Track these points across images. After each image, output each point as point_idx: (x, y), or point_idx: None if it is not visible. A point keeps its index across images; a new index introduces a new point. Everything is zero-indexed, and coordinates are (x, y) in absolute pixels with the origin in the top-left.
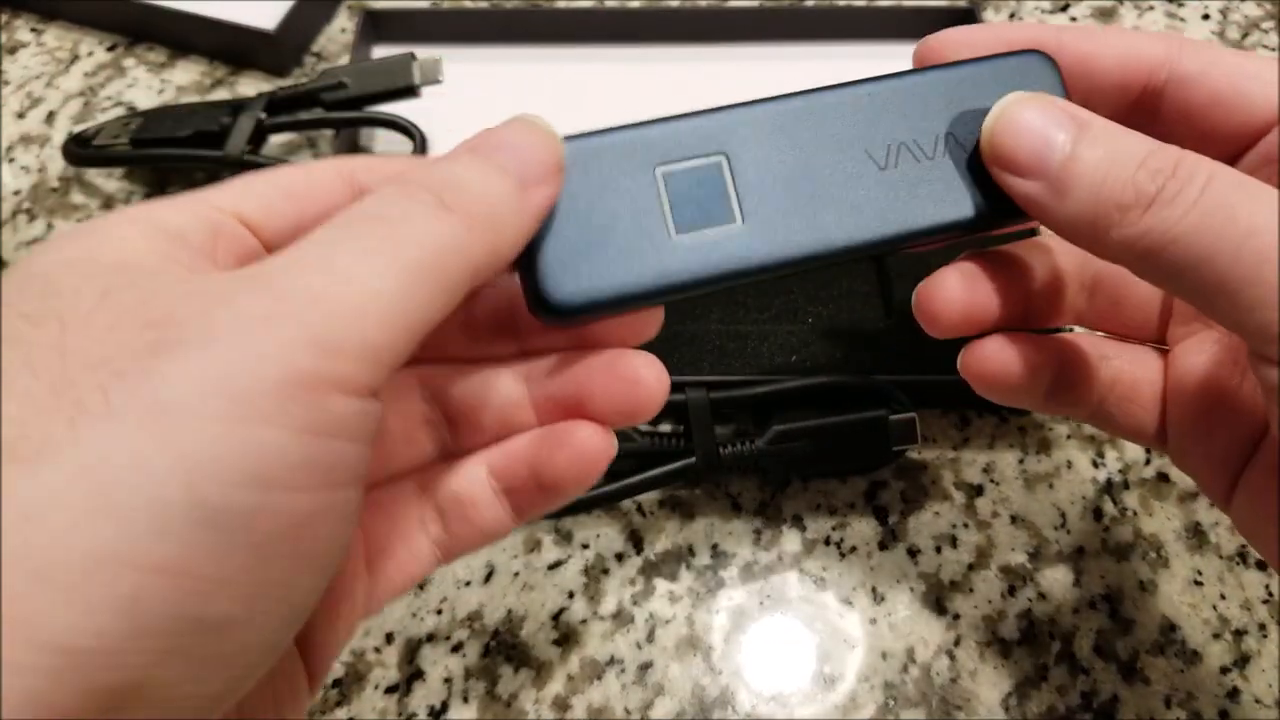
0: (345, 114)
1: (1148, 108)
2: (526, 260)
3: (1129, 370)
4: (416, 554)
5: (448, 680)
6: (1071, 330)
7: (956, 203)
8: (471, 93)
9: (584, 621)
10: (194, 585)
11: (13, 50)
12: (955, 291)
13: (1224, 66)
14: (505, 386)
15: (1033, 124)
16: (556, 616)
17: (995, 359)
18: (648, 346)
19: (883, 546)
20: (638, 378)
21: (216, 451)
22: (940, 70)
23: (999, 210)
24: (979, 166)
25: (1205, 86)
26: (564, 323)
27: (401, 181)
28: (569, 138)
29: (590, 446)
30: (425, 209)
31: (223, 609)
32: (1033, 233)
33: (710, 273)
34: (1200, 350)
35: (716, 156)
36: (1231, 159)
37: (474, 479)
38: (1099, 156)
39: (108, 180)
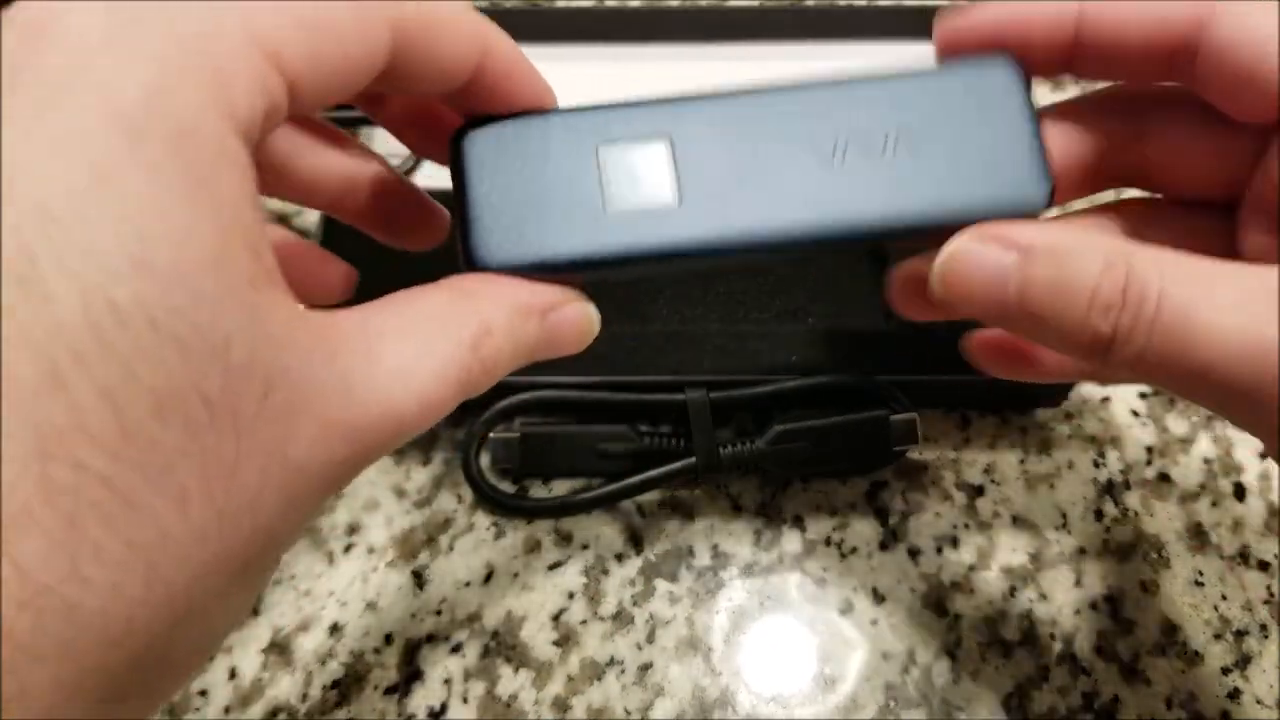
0: (344, 113)
1: (1181, 72)
2: (462, 216)
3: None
4: None
5: (447, 681)
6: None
7: (902, 203)
8: None
9: (584, 622)
10: None
11: None
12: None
13: (1256, 39)
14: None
15: (979, 263)
16: (556, 617)
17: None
18: (647, 347)
19: (883, 547)
20: None
21: None
22: (900, 74)
23: (944, 222)
24: (930, 172)
25: (1233, 61)
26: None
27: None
28: (522, 113)
29: None
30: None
31: None
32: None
33: (639, 249)
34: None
35: (660, 139)
36: (1267, 134)
37: None
38: (1049, 290)
39: None
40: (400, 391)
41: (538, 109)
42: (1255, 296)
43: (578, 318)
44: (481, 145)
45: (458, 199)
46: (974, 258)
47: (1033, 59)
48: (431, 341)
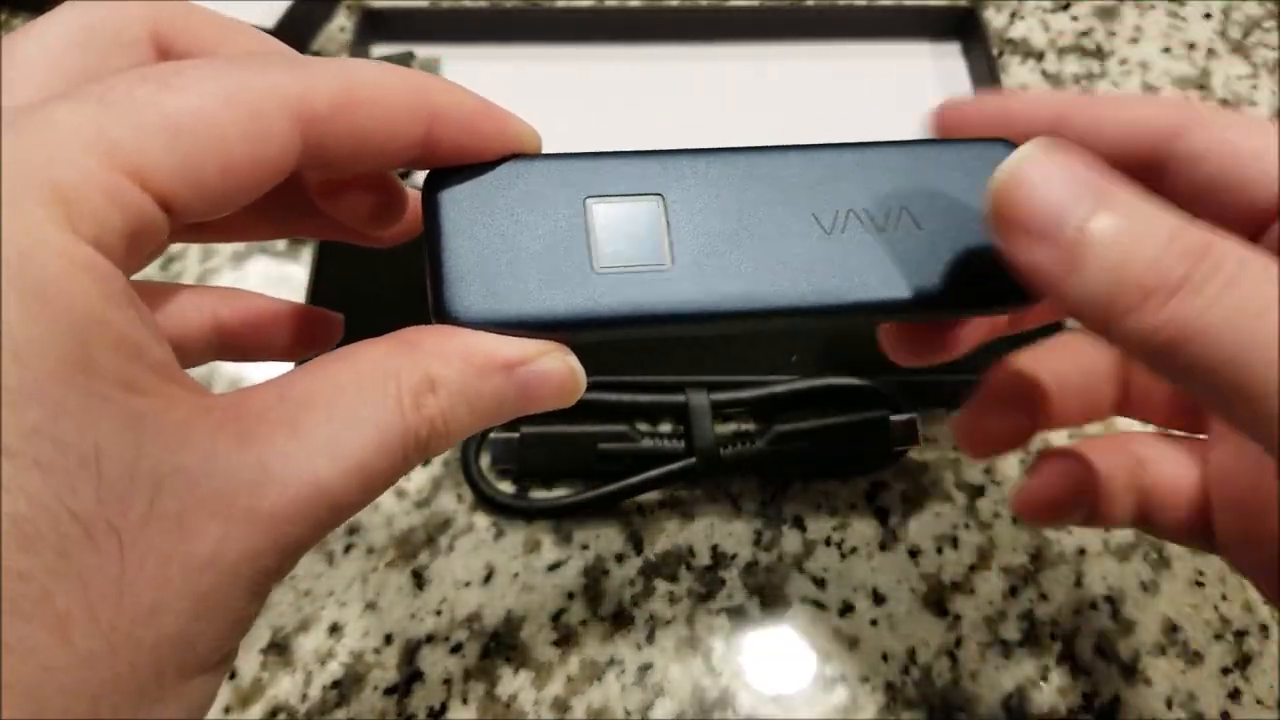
0: None
1: (1153, 179)
2: (434, 265)
3: (1168, 475)
4: None
5: (447, 681)
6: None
7: (902, 281)
8: None
9: (584, 622)
10: None
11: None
12: (994, 425)
13: (1229, 146)
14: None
15: (1049, 180)
16: (556, 617)
17: (1045, 498)
18: (647, 347)
19: (883, 547)
20: None
21: None
22: (901, 145)
23: (948, 299)
24: (933, 249)
25: (1207, 167)
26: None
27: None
28: (505, 159)
29: None
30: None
31: None
32: (1058, 326)
33: (627, 313)
34: (1241, 443)
35: (653, 197)
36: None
37: None
38: (1122, 228)
39: None
40: (327, 467)
41: (521, 154)
42: None
43: (556, 373)
44: (458, 193)
45: (429, 250)
46: (1042, 178)
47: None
48: (364, 405)
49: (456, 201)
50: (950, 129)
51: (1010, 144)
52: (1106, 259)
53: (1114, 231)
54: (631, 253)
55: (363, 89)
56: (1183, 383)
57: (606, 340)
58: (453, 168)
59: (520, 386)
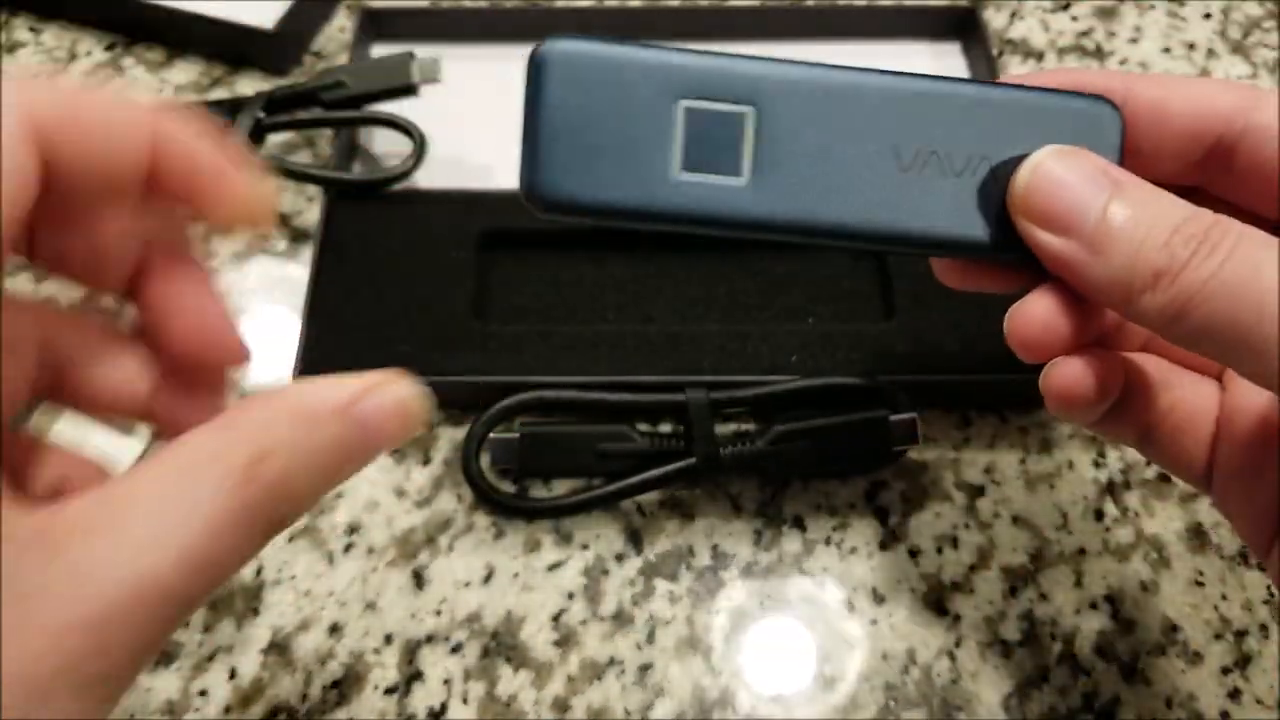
0: (344, 113)
1: (1221, 159)
2: (528, 141)
3: (1188, 400)
4: None
5: (447, 681)
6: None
7: (963, 223)
8: (470, 92)
9: (584, 622)
10: None
11: (11, 49)
12: (1040, 320)
13: None
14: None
15: (1068, 179)
16: (556, 617)
17: (1075, 381)
18: (647, 347)
19: (883, 547)
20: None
21: None
22: (1002, 89)
23: (1005, 245)
24: (995, 199)
25: (1275, 144)
26: (547, 213)
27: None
28: (605, 39)
29: None
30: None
31: None
32: None
33: (696, 215)
34: (1258, 390)
35: (745, 107)
36: None
37: None
38: (1136, 219)
39: None
40: (153, 559)
41: (617, 39)
42: None
43: (394, 403)
44: (563, 67)
45: (527, 121)
46: (1060, 176)
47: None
48: (189, 492)
49: (561, 76)
50: None
51: (1113, 106)
52: (1123, 246)
53: (1129, 220)
54: (712, 161)
55: (89, 108)
56: (1196, 348)
57: (674, 232)
58: (560, 36)
59: (359, 425)
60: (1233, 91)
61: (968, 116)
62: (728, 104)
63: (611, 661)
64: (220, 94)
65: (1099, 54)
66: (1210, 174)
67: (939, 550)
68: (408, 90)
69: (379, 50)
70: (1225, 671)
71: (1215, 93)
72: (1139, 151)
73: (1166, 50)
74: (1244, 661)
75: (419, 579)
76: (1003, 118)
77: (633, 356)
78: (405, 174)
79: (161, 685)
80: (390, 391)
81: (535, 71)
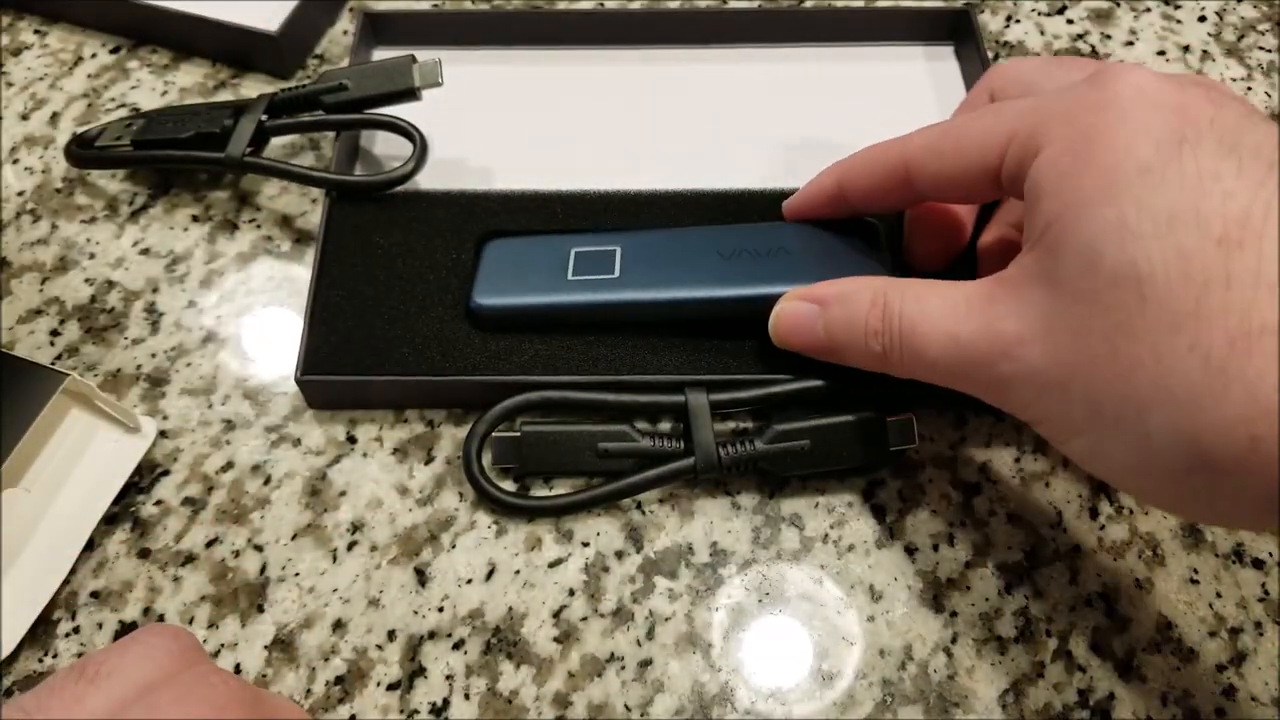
0: (346, 116)
1: (1010, 177)
2: (471, 282)
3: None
4: None
5: (449, 677)
6: None
7: (775, 283)
8: (471, 95)
9: (584, 619)
10: None
11: (16, 52)
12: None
13: (941, 158)
14: None
15: (798, 314)
16: (557, 614)
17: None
18: (647, 347)
19: (880, 545)
20: None
21: None
22: (794, 228)
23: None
24: (797, 265)
25: (929, 173)
26: (483, 323)
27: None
28: (527, 233)
29: None
30: None
31: None
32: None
33: (587, 302)
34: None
35: (613, 246)
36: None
37: None
38: (841, 312)
39: (111, 181)
40: None
41: (533, 231)
42: (954, 305)
43: None
44: (494, 246)
45: (474, 272)
46: (791, 311)
47: (882, 201)
48: None
49: (493, 249)
50: (802, 217)
51: (873, 222)
52: (840, 329)
53: (838, 316)
54: (594, 270)
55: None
56: (959, 389)
57: (574, 322)
58: (497, 232)
59: None
60: (993, 133)
61: (764, 232)
62: (602, 246)
63: (612, 658)
64: (225, 97)
65: (1094, 56)
66: (1004, 189)
67: (935, 548)
68: (409, 94)
69: (380, 53)
70: (1220, 669)
71: (978, 135)
72: (936, 195)
73: (1161, 53)
74: (1239, 659)
75: (421, 576)
76: (789, 232)
77: (632, 356)
78: (407, 176)
79: None
80: None
81: (476, 250)
